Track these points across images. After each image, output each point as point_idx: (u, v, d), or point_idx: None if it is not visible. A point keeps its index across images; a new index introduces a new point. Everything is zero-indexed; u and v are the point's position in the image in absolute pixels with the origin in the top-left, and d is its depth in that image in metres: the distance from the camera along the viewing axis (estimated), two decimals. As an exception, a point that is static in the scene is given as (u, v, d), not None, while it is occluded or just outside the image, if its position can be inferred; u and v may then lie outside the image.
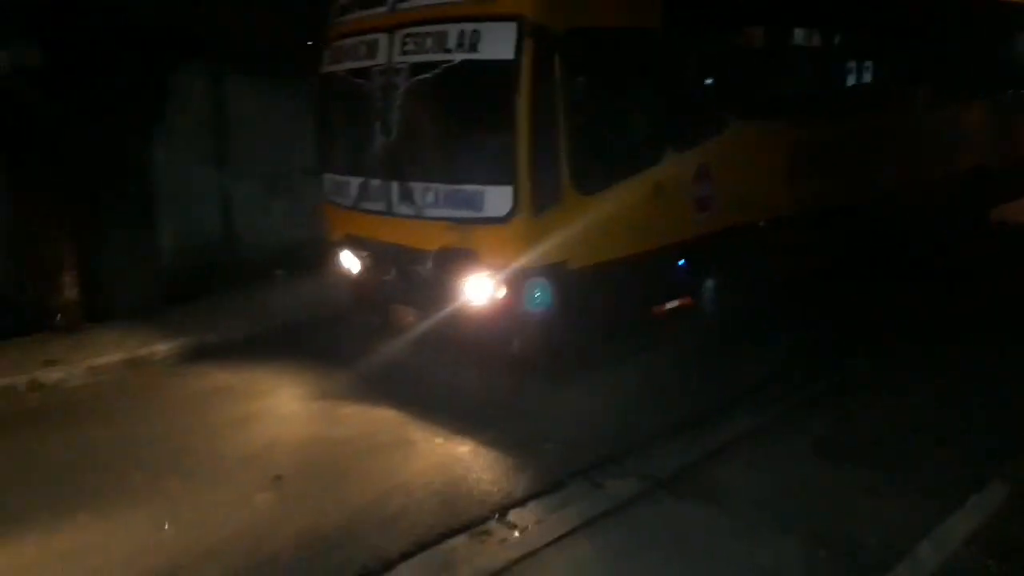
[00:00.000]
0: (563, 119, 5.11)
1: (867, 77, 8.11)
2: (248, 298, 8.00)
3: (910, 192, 8.33)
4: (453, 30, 5.22)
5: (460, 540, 3.99)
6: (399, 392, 5.79)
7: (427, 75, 5.41)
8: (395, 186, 5.74)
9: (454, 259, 5.47)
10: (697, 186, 6.10)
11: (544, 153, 5.08)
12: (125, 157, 7.67)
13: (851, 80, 8.02)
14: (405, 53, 5.54)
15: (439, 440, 5.05)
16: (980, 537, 3.58)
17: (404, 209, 5.71)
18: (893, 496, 4.16)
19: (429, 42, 5.39)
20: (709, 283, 6.53)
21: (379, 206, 5.91)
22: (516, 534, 4.01)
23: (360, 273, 6.39)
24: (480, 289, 5.42)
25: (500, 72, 5.03)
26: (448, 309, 5.58)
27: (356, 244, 6.33)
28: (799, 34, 7.62)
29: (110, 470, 4.79)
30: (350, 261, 6.45)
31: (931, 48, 8.59)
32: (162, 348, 6.73)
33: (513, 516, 4.17)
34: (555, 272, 5.33)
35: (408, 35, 5.53)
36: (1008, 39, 10.38)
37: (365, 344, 6.55)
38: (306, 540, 4.01)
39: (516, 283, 5.31)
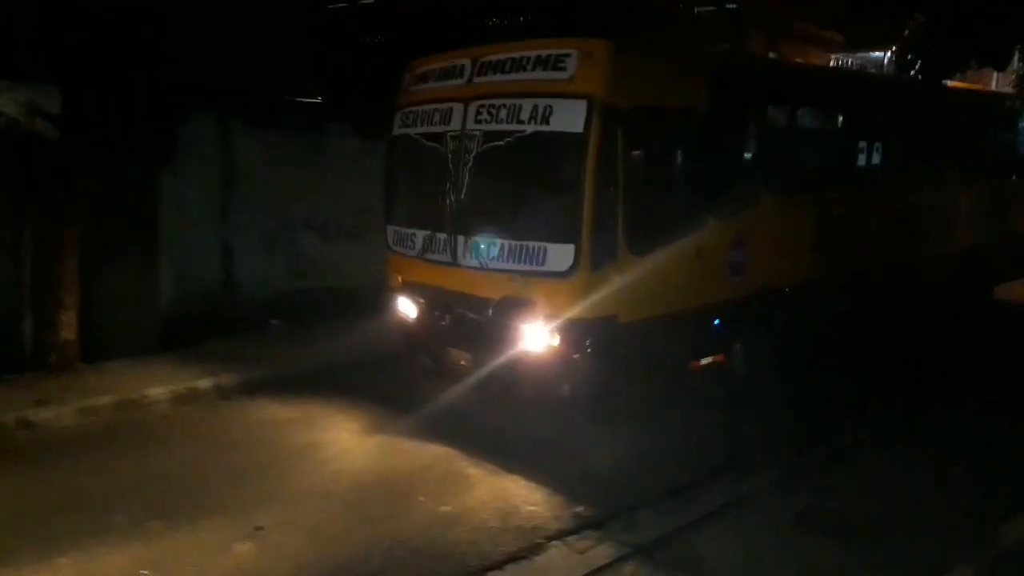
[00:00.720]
0: (622, 186, 5.66)
1: (879, 159, 8.64)
2: (243, 345, 8.08)
3: (917, 265, 8.92)
4: (527, 104, 5.80)
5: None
6: (410, 438, 6.03)
7: (500, 142, 6.00)
8: (461, 239, 6.23)
9: (514, 308, 5.94)
10: (733, 252, 6.68)
11: (604, 216, 5.62)
12: (132, 201, 7.86)
13: (865, 161, 8.57)
14: (479, 121, 6.13)
15: (422, 498, 5.09)
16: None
17: (469, 261, 6.19)
18: (866, 572, 4.20)
19: (503, 113, 5.96)
20: (739, 342, 6.98)
21: (444, 257, 6.39)
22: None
23: (417, 317, 6.88)
24: (537, 336, 5.88)
25: (570, 143, 5.63)
26: (505, 353, 6.00)
27: (417, 291, 6.84)
28: (822, 118, 8.25)
29: (92, 511, 4.83)
30: (408, 306, 6.97)
31: (938, 134, 9.23)
32: (156, 391, 6.79)
33: (491, 578, 4.21)
34: (607, 324, 5.82)
35: (483, 106, 6.11)
36: (1010, 128, 10.93)
37: (374, 393, 6.89)
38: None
39: (571, 332, 5.76)
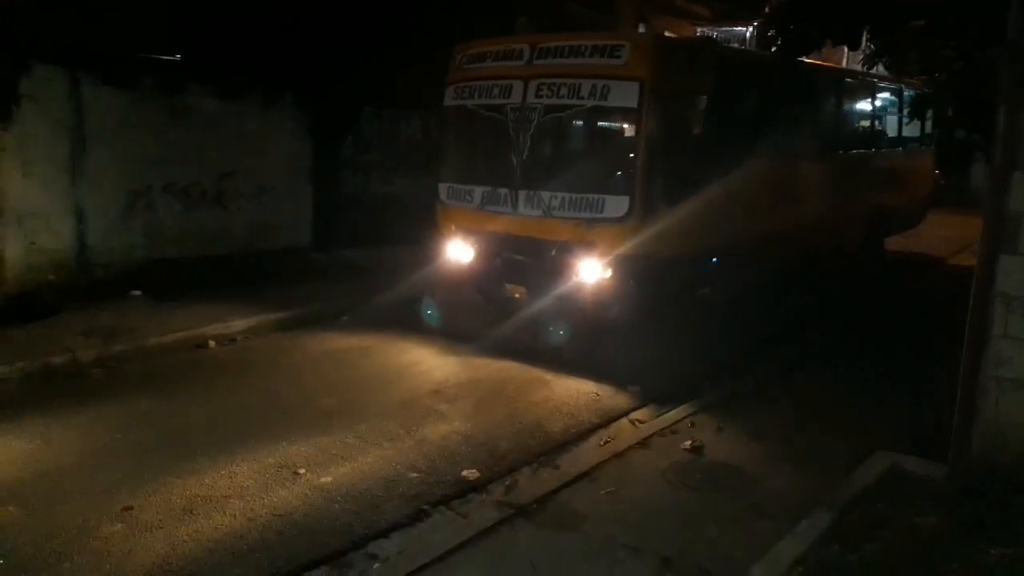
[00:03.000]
0: (661, 151, 7.05)
1: (819, 133, 10.43)
2: (99, 317, 7.57)
3: (839, 221, 10.63)
4: (587, 83, 7.08)
5: (320, 572, 3.99)
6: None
7: (560, 114, 7.41)
8: (524, 192, 7.43)
9: (574, 248, 7.24)
10: (726, 206, 7.88)
11: (649, 173, 7.02)
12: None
13: (810, 133, 10.24)
14: (539, 96, 7.34)
15: (302, 470, 4.98)
16: (806, 559, 3.90)
17: (532, 210, 7.41)
18: (736, 520, 4.48)
19: (564, 90, 7.21)
20: (722, 279, 8.36)
21: (506, 208, 7.57)
22: (376, 566, 4.03)
23: (473, 259, 7.96)
24: (594, 270, 7.21)
25: (625, 115, 7.31)
26: (562, 285, 7.32)
27: (474, 237, 7.93)
28: (783, 98, 9.51)
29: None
30: (462, 251, 8.01)
31: (854, 113, 11.28)
32: (2, 370, 6.28)
33: (374, 547, 4.19)
34: (647, 260, 7.20)
35: (543, 83, 7.32)
36: (899, 110, 12.56)
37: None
38: (157, 573, 3.88)
39: (621, 266, 7.13)
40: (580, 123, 7.83)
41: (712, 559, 4.04)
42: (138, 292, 8.37)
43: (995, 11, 4.58)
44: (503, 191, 7.56)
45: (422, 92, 12.25)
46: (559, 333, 7.37)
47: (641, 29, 17.52)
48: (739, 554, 4.04)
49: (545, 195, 7.31)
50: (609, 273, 7.21)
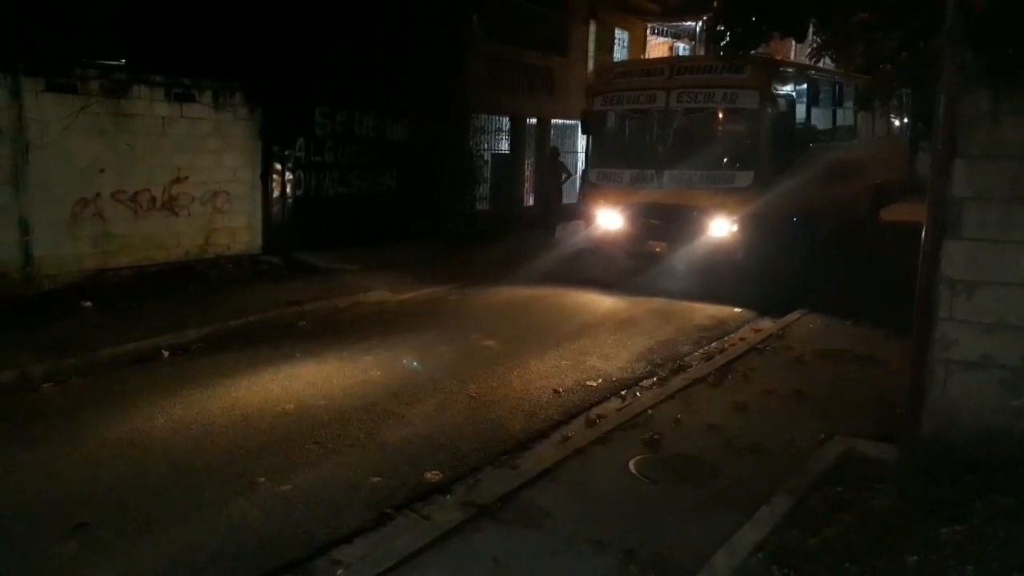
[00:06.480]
0: (771, 138, 10.10)
1: (848, 127, 13.55)
2: (48, 331, 7.39)
3: (859, 193, 13.99)
4: (718, 91, 10.17)
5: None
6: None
7: (696, 114, 10.43)
8: (667, 172, 10.31)
9: (709, 211, 10.05)
10: (801, 179, 10.58)
11: (765, 154, 10.06)
12: None
13: (843, 128, 13.28)
14: (679, 101, 10.33)
15: (262, 479, 4.91)
16: (766, 545, 3.96)
17: (674, 185, 10.27)
18: (699, 510, 4.52)
19: (700, 96, 10.26)
20: (797, 235, 10.88)
21: (652, 184, 10.41)
22: (340, 572, 3.98)
23: (621, 225, 10.73)
24: (724, 226, 10.01)
25: (748, 113, 10.24)
26: (698, 239, 10.06)
27: (622, 208, 10.68)
28: (825, 99, 12.38)
29: None
30: (610, 220, 10.81)
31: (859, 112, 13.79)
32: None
33: (338, 553, 4.15)
34: (763, 218, 9.95)
35: (683, 92, 10.31)
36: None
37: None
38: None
39: (745, 223, 9.92)
40: (712, 120, 10.49)
41: (675, 549, 4.08)
42: (88, 303, 8.18)
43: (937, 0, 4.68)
44: (650, 171, 10.39)
45: (377, 92, 12.21)
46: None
47: (592, 25, 17.61)
48: (701, 542, 4.09)
49: (687, 172, 10.13)
50: (736, 228, 9.91)
